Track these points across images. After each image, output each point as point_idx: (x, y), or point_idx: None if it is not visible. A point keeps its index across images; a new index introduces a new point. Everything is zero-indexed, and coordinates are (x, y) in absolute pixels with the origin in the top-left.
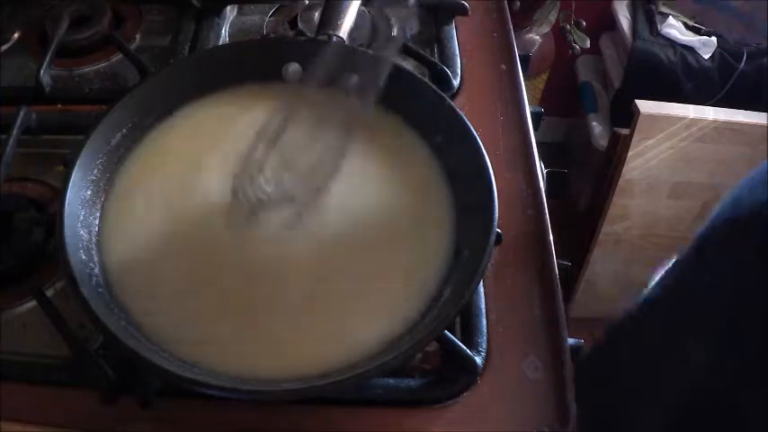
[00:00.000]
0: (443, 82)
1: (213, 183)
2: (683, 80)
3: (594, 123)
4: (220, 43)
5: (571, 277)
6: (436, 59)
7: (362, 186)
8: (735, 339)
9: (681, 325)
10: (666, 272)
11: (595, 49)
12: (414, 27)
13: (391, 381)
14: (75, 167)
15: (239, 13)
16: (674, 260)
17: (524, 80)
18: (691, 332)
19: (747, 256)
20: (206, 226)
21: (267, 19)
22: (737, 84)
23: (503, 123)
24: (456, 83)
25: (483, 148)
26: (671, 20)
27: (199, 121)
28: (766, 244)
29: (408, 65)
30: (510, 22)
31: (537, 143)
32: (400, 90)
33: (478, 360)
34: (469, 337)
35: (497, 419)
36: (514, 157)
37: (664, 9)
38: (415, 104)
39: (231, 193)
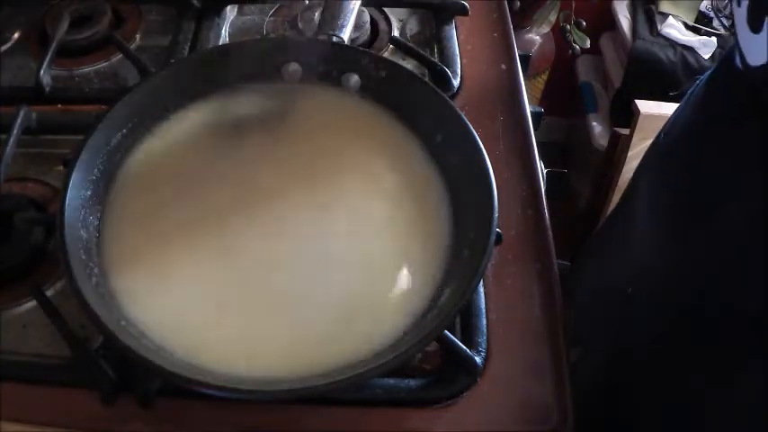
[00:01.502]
0: (443, 82)
1: (213, 183)
2: (682, 80)
3: (594, 123)
4: (220, 43)
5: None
6: (436, 59)
7: (361, 186)
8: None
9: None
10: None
11: (595, 49)
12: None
13: (391, 381)
14: (76, 167)
15: (239, 13)
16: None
17: (524, 80)
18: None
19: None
20: (206, 222)
21: (267, 19)
22: None
23: (503, 123)
24: (456, 83)
25: (483, 148)
26: (671, 20)
27: (199, 120)
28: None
29: (408, 65)
30: (510, 22)
31: (537, 143)
32: (400, 90)
33: (478, 360)
34: (469, 337)
35: (497, 419)
36: (514, 157)
37: (664, 9)
38: (415, 104)
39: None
